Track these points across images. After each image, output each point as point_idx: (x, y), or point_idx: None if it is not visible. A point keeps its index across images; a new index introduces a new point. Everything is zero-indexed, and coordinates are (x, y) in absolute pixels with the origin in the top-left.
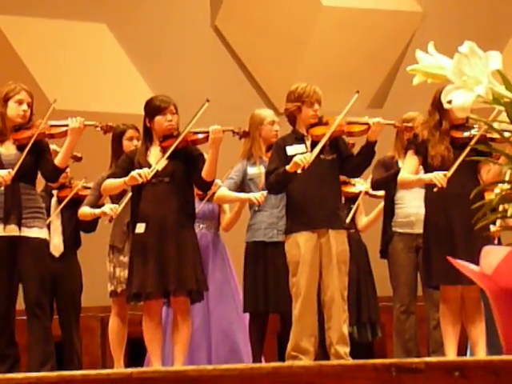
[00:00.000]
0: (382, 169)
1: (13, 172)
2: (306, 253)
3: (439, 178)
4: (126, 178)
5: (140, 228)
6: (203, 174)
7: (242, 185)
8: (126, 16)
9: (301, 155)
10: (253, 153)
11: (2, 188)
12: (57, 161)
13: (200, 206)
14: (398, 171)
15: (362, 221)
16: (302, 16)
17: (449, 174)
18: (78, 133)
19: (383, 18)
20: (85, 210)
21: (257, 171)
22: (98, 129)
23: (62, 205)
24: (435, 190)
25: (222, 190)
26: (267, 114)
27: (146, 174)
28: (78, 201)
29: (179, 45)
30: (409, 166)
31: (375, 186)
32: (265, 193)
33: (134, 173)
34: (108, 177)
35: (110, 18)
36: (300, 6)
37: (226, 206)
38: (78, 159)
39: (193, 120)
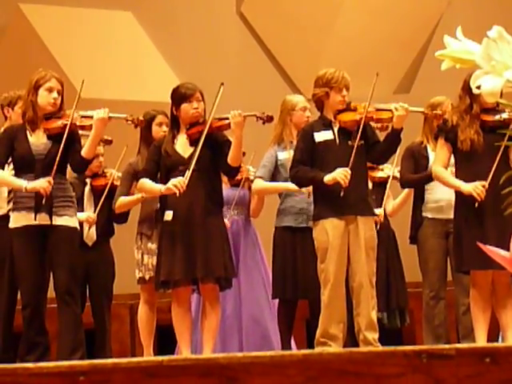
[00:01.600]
0: (410, 161)
1: (52, 181)
2: (335, 239)
3: (479, 190)
4: (163, 188)
5: (168, 216)
6: (229, 159)
7: (274, 170)
8: (152, 3)
9: (342, 170)
10: (284, 138)
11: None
12: (83, 152)
13: (231, 192)
14: (429, 175)
15: (390, 205)
16: (328, 1)
17: (487, 184)
18: (104, 124)
19: (409, 3)
20: (125, 198)
21: (287, 156)
22: (129, 122)
23: (103, 198)
24: (476, 205)
25: (260, 181)
26: (299, 99)
27: (181, 183)
28: (111, 190)
29: (205, 32)
30: (442, 157)
31: (405, 185)
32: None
33: (170, 184)
34: (142, 172)
35: (136, 6)
36: None
37: None
38: (108, 142)
39: (213, 107)
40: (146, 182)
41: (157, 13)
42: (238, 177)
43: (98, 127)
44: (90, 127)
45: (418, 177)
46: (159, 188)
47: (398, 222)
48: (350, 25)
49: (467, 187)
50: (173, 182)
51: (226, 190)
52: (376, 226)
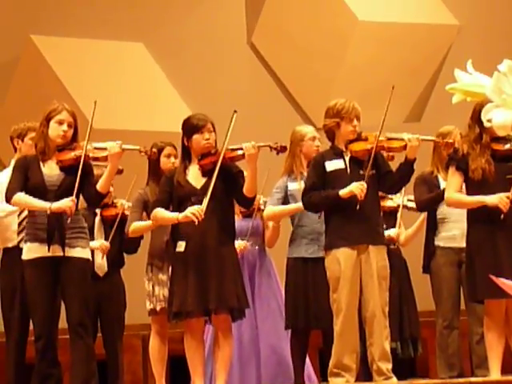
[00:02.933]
0: (424, 186)
1: (75, 200)
2: (347, 269)
3: (504, 202)
4: (180, 216)
5: (180, 247)
6: (244, 190)
7: (285, 201)
8: (162, 35)
9: (358, 184)
10: (293, 169)
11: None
12: (99, 186)
13: (244, 223)
14: (443, 191)
15: (402, 235)
16: (338, 31)
17: (511, 195)
18: (118, 158)
19: (419, 32)
20: (138, 224)
21: (297, 186)
22: (143, 154)
23: (114, 229)
24: (502, 217)
25: (270, 208)
26: (308, 130)
27: (199, 212)
28: (122, 220)
29: (216, 62)
30: (454, 185)
31: (421, 207)
32: None
33: (188, 212)
34: (155, 202)
35: (147, 37)
36: (336, 21)
37: (270, 222)
38: (119, 172)
39: (227, 135)
40: (160, 211)
41: (168, 44)
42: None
43: (114, 162)
44: (103, 159)
45: (432, 196)
46: (175, 216)
47: (410, 251)
48: (361, 54)
49: (492, 199)
50: (190, 209)
51: (239, 221)
52: (391, 246)
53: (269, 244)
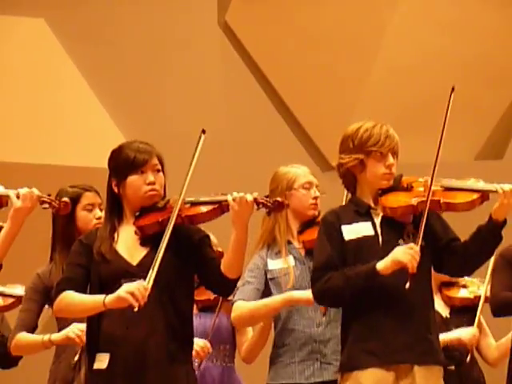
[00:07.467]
0: (508, 271)
1: None
2: None
3: None
4: (109, 299)
5: (101, 362)
6: (223, 267)
7: (264, 289)
8: (74, 6)
9: (406, 248)
10: (276, 236)
11: None
12: None
13: (199, 322)
14: None
15: (490, 348)
16: (367, 8)
17: None
18: (26, 214)
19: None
20: (25, 338)
21: (283, 265)
22: (46, 206)
23: None
24: None
25: (241, 304)
26: (298, 172)
27: (142, 291)
28: None
29: (167, 51)
30: None
31: (497, 309)
32: None
33: (123, 292)
34: (62, 282)
35: (50, 11)
36: None
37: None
38: None
39: (188, 173)
40: (73, 295)
41: (82, 20)
42: (210, 296)
43: (18, 219)
44: None
45: None
46: (99, 300)
47: (493, 373)
48: (404, 44)
49: None
50: (128, 287)
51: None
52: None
53: (250, 356)
